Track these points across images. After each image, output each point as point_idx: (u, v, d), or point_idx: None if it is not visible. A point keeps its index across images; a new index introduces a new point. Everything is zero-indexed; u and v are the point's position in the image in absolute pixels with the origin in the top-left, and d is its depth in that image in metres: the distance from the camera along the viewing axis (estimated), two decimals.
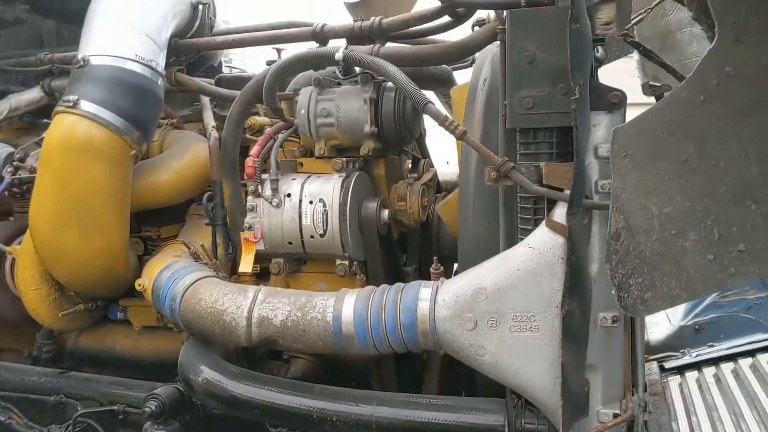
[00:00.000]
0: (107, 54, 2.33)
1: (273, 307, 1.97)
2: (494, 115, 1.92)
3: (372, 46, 2.24)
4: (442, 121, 1.83)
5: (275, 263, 2.36)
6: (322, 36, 2.40)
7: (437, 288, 1.83)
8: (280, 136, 2.38)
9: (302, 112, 2.31)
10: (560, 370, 1.68)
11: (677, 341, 3.43)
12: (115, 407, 2.46)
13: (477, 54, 2.34)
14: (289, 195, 2.25)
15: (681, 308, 3.35)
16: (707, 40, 3.23)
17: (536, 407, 1.79)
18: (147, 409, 2.23)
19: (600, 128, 1.65)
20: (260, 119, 2.75)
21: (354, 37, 2.36)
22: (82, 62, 2.32)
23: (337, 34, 2.41)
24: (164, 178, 2.58)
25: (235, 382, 2.06)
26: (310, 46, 2.40)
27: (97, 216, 2.33)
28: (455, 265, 2.70)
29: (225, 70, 3.72)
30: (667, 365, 3.31)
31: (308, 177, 2.31)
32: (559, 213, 1.66)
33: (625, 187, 1.40)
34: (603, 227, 1.64)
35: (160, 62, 2.46)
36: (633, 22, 2.49)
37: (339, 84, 2.38)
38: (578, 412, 1.69)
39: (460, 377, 2.43)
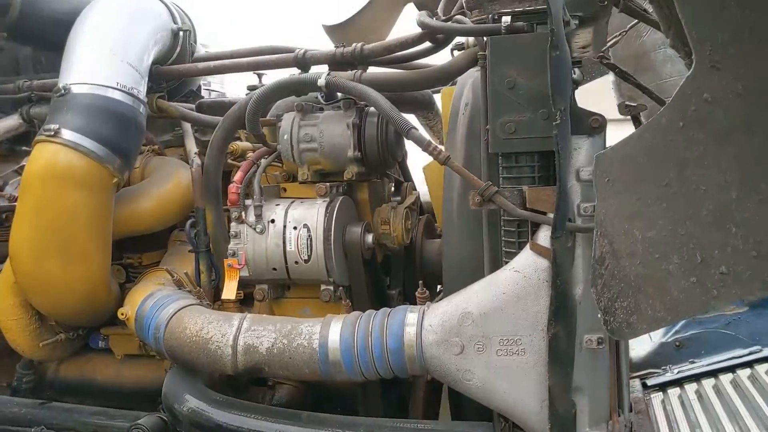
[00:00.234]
0: (88, 82, 2.32)
1: (258, 334, 1.96)
2: (476, 139, 1.94)
3: (354, 72, 2.26)
4: (425, 146, 1.85)
5: (260, 290, 2.35)
6: (303, 62, 2.41)
7: (423, 312, 1.84)
8: (263, 161, 2.38)
9: (285, 137, 2.32)
10: (547, 392, 1.69)
11: (659, 358, 3.45)
12: None
13: (457, 78, 2.37)
14: (273, 221, 2.25)
15: None
16: (683, 63, 3.30)
17: (524, 430, 1.79)
18: None
19: (581, 152, 1.67)
20: (242, 144, 2.75)
21: (336, 63, 2.38)
22: (63, 91, 2.31)
23: (318, 60, 2.42)
24: (146, 205, 2.57)
25: (221, 411, 2.03)
26: (291, 72, 2.42)
27: (79, 245, 2.31)
28: (438, 287, 2.71)
29: (204, 93, 3.72)
30: (650, 382, 3.33)
31: (292, 202, 2.31)
32: (543, 236, 1.68)
33: (608, 212, 1.41)
34: (586, 250, 1.66)
35: (142, 90, 2.45)
36: (609, 44, 2.54)
37: (321, 109, 2.39)
38: None
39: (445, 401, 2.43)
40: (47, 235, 2.27)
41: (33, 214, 2.27)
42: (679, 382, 3.32)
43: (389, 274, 2.68)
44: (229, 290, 2.28)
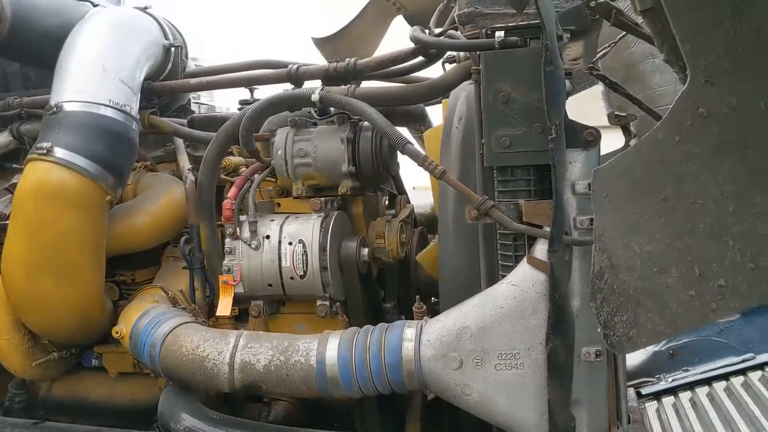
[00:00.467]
0: (81, 100, 2.31)
1: (255, 351, 1.95)
2: (471, 153, 1.95)
3: (348, 86, 2.26)
4: (421, 161, 1.85)
5: (255, 306, 2.34)
6: (297, 77, 2.42)
7: (421, 327, 1.83)
8: (257, 177, 2.38)
9: (279, 152, 2.32)
10: (546, 406, 1.69)
11: (653, 366, 3.46)
12: None
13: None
14: (268, 236, 2.25)
15: None
16: (672, 73, 3.32)
17: None
18: None
19: (576, 165, 1.68)
20: (235, 159, 2.74)
21: (329, 77, 2.38)
22: (55, 108, 2.29)
23: (312, 75, 2.42)
24: (140, 222, 2.55)
25: (218, 429, 2.01)
26: (284, 87, 2.42)
27: (72, 263, 2.29)
28: (433, 299, 2.71)
29: (193, 107, 3.70)
30: (644, 391, 3.34)
31: (287, 218, 2.30)
32: (540, 250, 1.69)
33: (607, 227, 1.42)
34: (583, 263, 1.67)
35: (134, 106, 2.44)
36: (598, 55, 2.56)
37: (315, 124, 2.39)
38: None
39: (442, 415, 2.42)
40: (40, 254, 2.25)
41: (26, 232, 2.25)
42: (673, 391, 3.33)
43: (383, 287, 2.68)
44: (224, 307, 2.27)
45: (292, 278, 2.22)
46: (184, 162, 2.71)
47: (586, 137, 1.68)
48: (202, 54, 4.37)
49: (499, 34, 1.77)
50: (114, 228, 2.47)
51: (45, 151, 2.20)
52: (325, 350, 1.88)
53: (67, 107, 2.30)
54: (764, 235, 1.26)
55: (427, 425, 2.55)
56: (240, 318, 2.45)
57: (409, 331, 1.84)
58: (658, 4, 1.28)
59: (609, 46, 2.73)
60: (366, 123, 2.32)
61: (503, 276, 1.79)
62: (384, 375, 1.82)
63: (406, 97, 2.29)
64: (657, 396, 3.31)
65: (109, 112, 2.33)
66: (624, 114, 2.61)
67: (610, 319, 1.44)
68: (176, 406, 2.10)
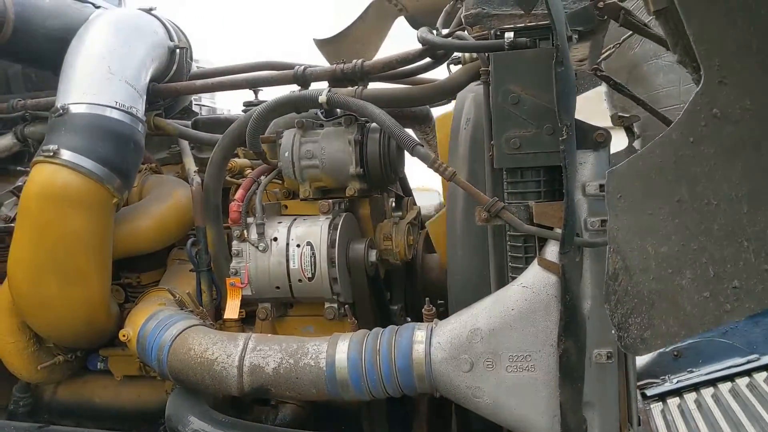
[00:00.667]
0: (87, 102, 2.30)
1: (264, 354, 1.94)
2: (480, 154, 1.94)
3: (355, 88, 2.25)
4: (431, 163, 1.84)
5: (262, 308, 2.33)
6: (303, 79, 2.41)
7: (432, 330, 1.82)
8: (264, 179, 2.37)
9: (286, 154, 2.31)
10: (558, 408, 1.68)
11: (657, 368, 3.46)
12: None
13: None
14: (275, 239, 2.23)
15: None
16: (675, 73, 3.31)
17: None
18: None
19: (587, 166, 1.68)
20: (240, 161, 2.74)
21: (336, 79, 2.37)
22: (61, 111, 2.29)
23: (318, 76, 2.41)
24: (146, 225, 2.55)
25: None
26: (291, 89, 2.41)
27: (79, 266, 2.28)
28: (438, 301, 2.70)
29: (195, 108, 3.69)
30: (649, 392, 3.34)
31: (294, 220, 2.29)
32: (551, 251, 1.68)
33: (621, 228, 1.41)
34: (594, 264, 1.66)
35: (140, 108, 2.44)
36: (603, 56, 2.55)
37: (321, 126, 2.38)
38: None
39: (449, 416, 2.41)
40: (46, 257, 2.25)
41: (32, 235, 2.24)
42: (678, 392, 3.33)
43: (389, 289, 2.67)
44: (232, 309, 2.26)
45: (300, 280, 2.21)
46: (190, 164, 2.70)
47: (596, 138, 1.68)
48: (205, 56, 4.36)
49: (509, 35, 1.76)
50: (120, 230, 2.46)
51: (51, 154, 2.19)
52: (335, 353, 1.88)
53: (73, 109, 2.30)
54: None
55: (433, 427, 2.54)
56: (247, 320, 2.44)
57: (419, 333, 1.83)
58: (671, 4, 1.27)
59: (614, 47, 2.72)
60: (373, 124, 2.31)
61: (513, 278, 1.79)
62: (394, 378, 1.81)
63: (414, 98, 2.28)
64: (662, 397, 3.31)
65: (115, 114, 2.33)
66: (627, 115, 2.60)
67: (624, 321, 1.43)
68: (184, 409, 2.09)
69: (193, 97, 3.70)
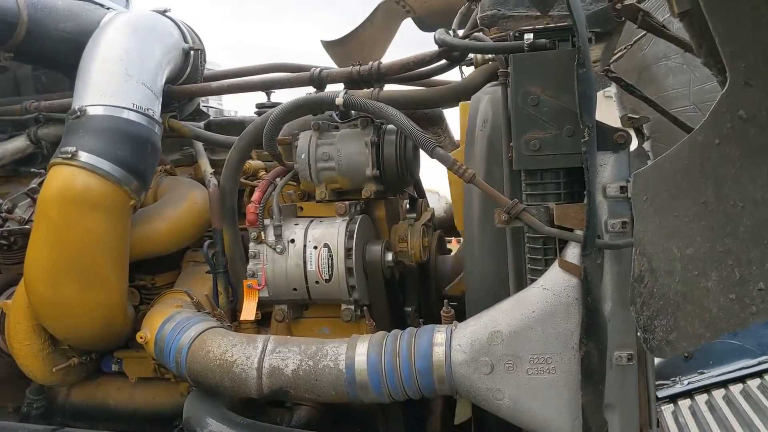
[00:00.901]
0: (104, 104, 2.30)
1: (284, 356, 1.94)
2: (497, 156, 1.94)
3: (371, 90, 2.25)
4: (450, 165, 1.84)
5: (279, 310, 2.33)
6: (319, 81, 2.41)
7: (451, 332, 1.82)
8: (281, 181, 2.37)
9: (303, 156, 2.31)
10: (579, 411, 1.68)
11: (668, 369, 3.45)
12: None
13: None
14: (292, 240, 2.24)
15: None
16: (685, 75, 3.30)
17: None
18: None
19: (606, 168, 1.67)
20: (254, 163, 2.74)
21: (352, 81, 2.37)
22: (78, 112, 2.29)
23: (334, 78, 2.42)
24: (162, 227, 2.54)
25: None
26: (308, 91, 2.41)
27: (97, 269, 2.28)
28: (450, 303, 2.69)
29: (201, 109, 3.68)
30: (660, 394, 3.33)
31: (311, 221, 2.29)
32: (571, 253, 1.68)
33: (647, 230, 1.41)
34: (615, 266, 1.66)
35: (157, 110, 2.43)
36: (614, 58, 2.55)
37: (336, 128, 2.38)
38: None
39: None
40: (64, 260, 2.24)
41: (50, 237, 2.24)
42: (689, 394, 3.32)
43: (403, 291, 2.67)
44: (249, 311, 2.26)
45: (317, 282, 2.22)
46: (206, 166, 2.71)
47: (616, 140, 1.68)
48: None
49: (529, 37, 1.76)
50: (136, 232, 2.46)
51: (70, 156, 2.19)
52: (354, 355, 1.87)
53: (91, 111, 2.30)
54: None
55: (447, 427, 2.54)
56: (262, 322, 2.43)
57: (439, 335, 1.83)
58: (696, 6, 1.27)
59: (625, 48, 2.73)
60: (389, 126, 2.31)
61: (531, 280, 1.79)
62: (414, 380, 1.81)
63: (431, 100, 2.28)
64: (673, 399, 3.30)
65: (132, 116, 2.32)
66: (637, 116, 2.60)
67: (649, 323, 1.43)
68: (202, 411, 2.09)
69: (200, 98, 3.70)
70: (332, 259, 2.19)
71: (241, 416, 2.12)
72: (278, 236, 2.24)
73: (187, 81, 2.76)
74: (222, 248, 2.45)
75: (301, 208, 2.41)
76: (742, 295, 1.38)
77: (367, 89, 2.32)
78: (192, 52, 2.72)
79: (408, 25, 3.68)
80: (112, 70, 2.36)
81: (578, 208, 1.65)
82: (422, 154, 2.53)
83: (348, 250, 2.19)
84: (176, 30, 2.70)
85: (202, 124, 3.02)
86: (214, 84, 2.69)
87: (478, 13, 2.01)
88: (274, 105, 2.88)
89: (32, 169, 2.83)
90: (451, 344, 1.79)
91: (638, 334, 1.45)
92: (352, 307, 2.25)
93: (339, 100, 2.14)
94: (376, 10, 3.63)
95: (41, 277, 2.27)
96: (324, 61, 3.10)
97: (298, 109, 2.23)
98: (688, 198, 1.39)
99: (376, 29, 3.73)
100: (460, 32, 2.24)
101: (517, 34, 1.80)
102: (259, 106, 2.96)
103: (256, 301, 2.27)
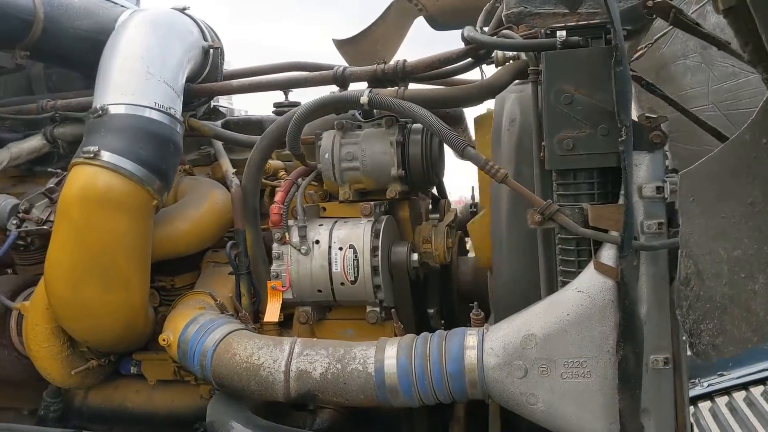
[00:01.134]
0: (126, 102, 2.28)
1: (311, 359, 1.91)
2: (527, 155, 1.90)
3: (396, 88, 2.22)
4: (483, 164, 1.81)
5: (303, 312, 2.30)
6: (343, 79, 2.38)
7: (483, 335, 1.79)
8: (304, 181, 2.34)
9: (326, 156, 2.28)
10: (615, 416, 1.65)
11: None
12: None
13: None
14: (317, 241, 2.20)
15: None
16: (703, 73, 3.26)
17: None
18: None
19: (642, 168, 1.64)
20: (274, 163, 2.71)
21: (376, 79, 2.34)
22: (100, 111, 2.26)
23: (358, 77, 2.38)
24: (183, 228, 2.51)
25: None
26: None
27: (119, 270, 2.25)
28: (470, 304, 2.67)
29: None
30: None
31: (335, 222, 2.26)
32: (606, 255, 1.65)
33: (693, 232, 1.38)
34: (650, 268, 1.63)
35: (178, 109, 2.41)
36: (635, 57, 2.52)
37: (359, 127, 2.35)
38: None
39: (485, 419, 2.37)
40: (86, 260, 2.21)
41: (71, 238, 2.21)
42: (709, 396, 3.30)
43: (425, 292, 2.64)
44: (272, 313, 2.23)
45: (342, 284, 2.18)
46: (227, 165, 2.68)
47: (652, 139, 1.65)
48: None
49: (561, 34, 1.72)
50: (158, 233, 2.42)
51: (92, 155, 2.16)
52: (384, 358, 1.84)
53: (112, 110, 2.27)
54: None
55: (469, 429, 2.50)
56: (284, 324, 2.40)
57: (470, 338, 1.80)
58: (742, 2, 1.24)
59: (646, 46, 2.69)
60: (415, 126, 2.28)
61: (563, 282, 1.75)
62: (446, 383, 1.78)
63: (457, 98, 2.24)
64: (693, 401, 3.28)
65: (154, 115, 2.30)
66: (655, 115, 2.57)
67: (696, 327, 1.40)
68: (226, 414, 2.06)
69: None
70: (358, 260, 2.16)
71: (265, 420, 2.09)
72: (303, 237, 2.20)
73: (206, 80, 2.73)
74: (245, 249, 2.42)
75: (324, 209, 2.37)
76: None
77: (391, 88, 2.29)
78: (211, 50, 2.69)
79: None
80: (134, 68, 2.34)
81: (614, 208, 1.62)
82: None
83: (374, 249, 2.16)
84: (195, 28, 2.67)
85: (219, 123, 3.00)
86: (235, 82, 2.67)
87: (503, 10, 1.98)
88: (293, 104, 2.86)
89: (49, 169, 2.80)
90: (483, 347, 1.76)
91: (684, 338, 1.42)
92: (378, 309, 2.22)
93: (364, 99, 2.10)
94: (389, 9, 3.61)
95: (62, 277, 2.24)
96: (324, 59, 3.08)
97: (322, 108, 2.20)
98: (735, 198, 1.36)
99: (389, 27, 3.71)
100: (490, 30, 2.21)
101: (548, 32, 1.77)
102: (277, 105, 2.94)
103: (280, 302, 2.24)
